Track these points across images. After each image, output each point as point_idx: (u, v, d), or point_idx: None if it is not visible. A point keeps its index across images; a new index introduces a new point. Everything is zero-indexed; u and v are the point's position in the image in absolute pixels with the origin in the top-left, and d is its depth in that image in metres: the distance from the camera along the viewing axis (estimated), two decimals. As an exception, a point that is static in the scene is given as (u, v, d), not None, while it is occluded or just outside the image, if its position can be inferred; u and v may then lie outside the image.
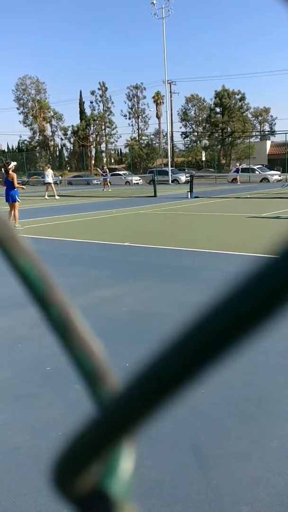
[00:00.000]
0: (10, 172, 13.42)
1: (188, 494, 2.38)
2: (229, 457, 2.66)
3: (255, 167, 43.14)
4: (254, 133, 71.01)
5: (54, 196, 28.52)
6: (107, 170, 39.99)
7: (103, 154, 78.98)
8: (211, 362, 0.21)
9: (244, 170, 42.12)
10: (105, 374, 0.29)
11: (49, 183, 28.77)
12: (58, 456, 0.27)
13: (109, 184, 37.22)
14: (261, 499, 2.32)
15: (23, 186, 15.72)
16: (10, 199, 13.54)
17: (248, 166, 43.82)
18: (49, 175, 29.05)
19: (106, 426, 0.25)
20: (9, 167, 13.47)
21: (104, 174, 37.93)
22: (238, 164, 44.94)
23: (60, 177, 48.08)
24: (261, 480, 2.46)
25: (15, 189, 13.49)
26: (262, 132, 74.93)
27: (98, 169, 39.69)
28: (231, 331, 0.21)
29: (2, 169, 14.03)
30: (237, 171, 41.26)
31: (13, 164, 13.77)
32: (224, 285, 0.23)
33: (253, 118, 74.85)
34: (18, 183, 13.81)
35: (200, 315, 0.22)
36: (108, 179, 37.66)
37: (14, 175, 13.56)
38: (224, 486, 2.43)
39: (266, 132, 74.61)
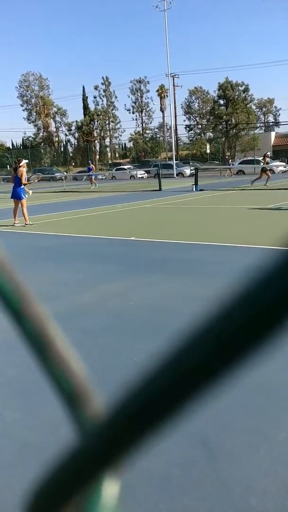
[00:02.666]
0: (20, 168, 13.45)
1: (196, 487, 2.39)
2: (237, 449, 2.67)
3: (259, 158, 42.93)
4: (258, 125, 70.62)
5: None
6: (93, 166, 39.32)
7: (108, 149, 78.88)
8: (213, 379, 0.20)
9: (249, 162, 41.90)
10: (86, 395, 0.26)
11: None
12: (36, 488, 0.25)
13: (93, 181, 36.09)
14: (270, 492, 2.33)
15: (30, 182, 15.74)
16: (16, 196, 13.56)
17: (252, 158, 43.60)
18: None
19: (87, 456, 0.23)
20: (21, 164, 13.52)
21: (90, 170, 37.05)
22: (227, 155, 44.66)
23: (65, 173, 48.12)
24: (269, 472, 2.47)
25: (22, 187, 13.51)
26: (266, 123, 74.51)
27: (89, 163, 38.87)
28: (230, 349, 0.19)
29: (13, 167, 14.12)
30: (230, 163, 41.01)
31: (24, 162, 13.82)
32: (224, 293, 0.21)
33: (257, 110, 74.45)
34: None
35: (198, 327, 0.21)
36: (93, 176, 36.57)
37: (24, 172, 13.58)
38: (233, 479, 2.44)
39: (271, 123, 74.19)
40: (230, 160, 41.20)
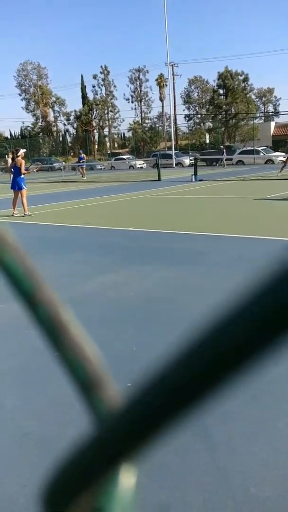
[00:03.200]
0: (19, 158, 13.42)
1: (195, 476, 2.41)
2: (236, 438, 2.68)
3: (259, 148, 42.77)
4: (258, 114, 70.30)
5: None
6: (84, 156, 38.46)
7: (106, 139, 78.57)
8: (230, 374, 0.20)
9: (248, 152, 41.75)
10: (101, 381, 0.26)
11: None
12: (51, 478, 0.25)
13: (83, 171, 35.06)
14: (269, 480, 2.34)
15: (29, 171, 15.70)
16: (16, 186, 13.53)
17: (252, 148, 43.44)
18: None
19: (104, 446, 0.23)
20: (18, 154, 13.49)
21: (81, 159, 36.27)
22: (222, 146, 44.24)
23: (63, 163, 47.93)
24: (268, 461, 2.48)
25: (22, 176, 13.49)
26: (266, 113, 74.18)
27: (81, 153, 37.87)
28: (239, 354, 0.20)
29: (10, 157, 14.08)
30: (222, 152, 40.56)
31: (22, 151, 13.80)
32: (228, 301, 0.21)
33: (257, 99, 74.06)
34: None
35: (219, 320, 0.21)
36: (84, 166, 35.78)
37: (23, 162, 13.56)
38: (232, 468, 2.45)
39: (270, 113, 73.86)
40: (224, 150, 40.61)
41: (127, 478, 0.24)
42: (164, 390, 0.21)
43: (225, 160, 39.75)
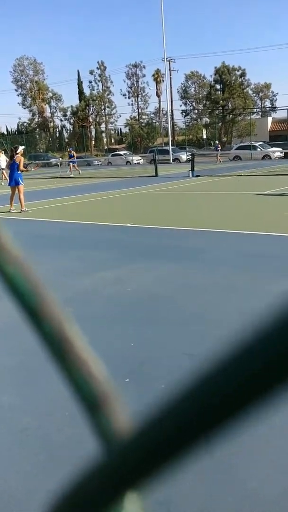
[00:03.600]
0: (18, 155, 13.43)
1: (194, 472, 2.40)
2: (237, 434, 2.67)
3: (256, 144, 42.73)
4: (255, 110, 70.22)
5: (2, 180, 26.81)
6: (74, 153, 38.41)
7: (103, 134, 78.40)
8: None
9: (246, 148, 41.71)
10: (108, 400, 0.25)
11: (2, 169, 27.07)
12: (56, 503, 0.24)
13: (76, 167, 35.15)
14: (268, 475, 2.35)
15: (27, 169, 15.69)
16: (14, 182, 13.51)
17: (249, 143, 43.41)
18: (2, 161, 27.12)
19: (110, 474, 0.22)
20: (17, 151, 13.50)
21: (71, 157, 36.36)
22: (217, 142, 44.07)
23: (60, 159, 47.78)
24: (267, 456, 2.48)
25: (20, 172, 13.48)
26: (263, 109, 74.10)
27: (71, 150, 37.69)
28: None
29: (10, 155, 14.06)
30: (216, 148, 40.40)
31: (21, 148, 13.80)
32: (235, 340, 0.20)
33: (254, 94, 73.94)
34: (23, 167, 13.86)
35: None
36: (76, 163, 35.76)
37: (22, 158, 13.59)
38: (230, 463, 2.45)
39: (267, 108, 73.77)
40: (218, 146, 40.38)
41: (132, 508, 0.23)
42: (177, 421, 0.20)
43: (219, 156, 39.66)
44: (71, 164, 35.53)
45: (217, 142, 43.63)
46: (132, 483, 0.21)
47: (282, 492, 2.24)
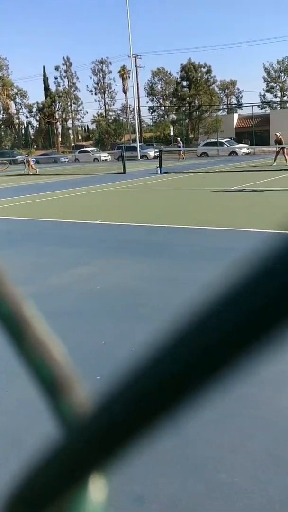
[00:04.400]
0: None
1: (166, 465, 2.43)
2: (205, 426, 2.71)
3: (223, 140, 43.13)
4: (221, 106, 70.85)
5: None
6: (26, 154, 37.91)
7: (70, 131, 77.77)
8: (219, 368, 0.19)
9: (213, 144, 42.05)
10: (68, 383, 0.23)
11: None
12: (15, 488, 0.23)
13: (32, 167, 34.42)
14: (238, 465, 2.39)
15: None
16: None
17: (216, 140, 43.77)
18: None
19: (72, 455, 0.21)
20: None
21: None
22: (179, 139, 44.18)
23: (27, 156, 47.13)
24: (237, 447, 2.53)
25: None
26: (229, 105, 74.82)
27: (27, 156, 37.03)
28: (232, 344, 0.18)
29: None
30: (180, 146, 40.50)
31: None
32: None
33: (220, 91, 74.57)
34: None
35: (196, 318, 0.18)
36: (33, 162, 35.56)
37: None
38: (202, 455, 2.48)
39: (233, 105, 74.53)
40: (180, 143, 40.33)
41: (97, 490, 0.22)
42: (136, 395, 0.19)
43: (182, 153, 39.73)
44: (30, 163, 34.88)
45: (178, 139, 43.63)
46: (95, 464, 0.21)
47: (250, 480, 2.28)
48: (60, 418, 0.23)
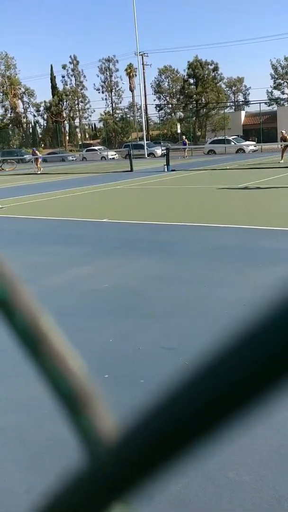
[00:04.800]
0: None
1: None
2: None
3: (230, 138, 43.00)
4: (228, 104, 70.61)
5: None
6: (38, 152, 38.05)
7: (77, 130, 77.85)
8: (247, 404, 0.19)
9: (220, 141, 41.93)
10: (88, 397, 0.23)
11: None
12: None
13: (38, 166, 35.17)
14: (246, 464, 2.38)
15: (1, 168, 15.54)
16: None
17: (223, 137, 43.65)
18: None
19: (94, 481, 0.20)
20: None
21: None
22: (184, 136, 44.04)
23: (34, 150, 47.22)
24: (245, 445, 2.52)
25: None
26: (236, 103, 74.55)
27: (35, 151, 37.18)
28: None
29: None
30: (184, 143, 40.38)
31: None
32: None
33: (227, 89, 74.30)
34: None
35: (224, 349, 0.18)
36: (40, 159, 35.78)
37: None
38: (209, 454, 2.48)
39: (240, 102, 74.25)
40: (185, 140, 40.13)
41: None
42: (167, 422, 0.19)
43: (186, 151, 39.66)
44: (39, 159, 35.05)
45: (184, 136, 43.49)
46: (120, 492, 0.20)
47: (259, 479, 2.27)
48: (82, 438, 0.23)
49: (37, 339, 0.24)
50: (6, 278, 0.26)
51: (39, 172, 31.52)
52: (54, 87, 75.37)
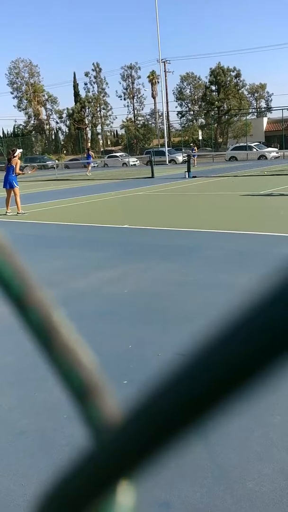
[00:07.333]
0: (15, 158, 13.42)
1: (193, 472, 2.41)
2: (232, 433, 2.68)
3: (252, 144, 42.81)
4: (250, 110, 70.35)
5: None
6: (93, 154, 39.03)
7: (99, 136, 78.41)
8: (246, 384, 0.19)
9: (241, 148, 41.78)
10: (98, 389, 0.24)
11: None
12: (46, 495, 0.23)
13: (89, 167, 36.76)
14: (266, 474, 2.35)
15: (23, 172, 15.73)
16: (8, 185, 13.47)
17: (245, 144, 43.48)
18: None
19: (102, 463, 0.21)
20: (15, 154, 13.48)
21: (89, 158, 37.19)
22: (192, 144, 43.81)
23: (56, 161, 47.76)
24: (265, 455, 2.49)
25: (15, 175, 13.44)
26: (258, 109, 74.21)
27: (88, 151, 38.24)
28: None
29: (7, 157, 14.01)
30: (192, 150, 40.07)
31: (19, 151, 13.76)
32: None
33: (249, 95, 74.12)
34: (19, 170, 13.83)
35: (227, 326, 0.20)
36: (91, 164, 37.08)
37: (18, 161, 13.56)
38: (229, 463, 2.46)
39: (263, 109, 73.89)
40: (194, 149, 39.77)
41: (125, 497, 0.23)
42: (168, 404, 0.19)
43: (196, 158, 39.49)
44: (89, 164, 36.20)
45: (192, 144, 43.25)
46: (124, 472, 0.21)
47: (278, 489, 2.24)
48: (89, 425, 0.23)
49: (49, 333, 0.25)
50: (20, 275, 0.27)
51: (89, 174, 32.67)
52: (76, 94, 76.15)
